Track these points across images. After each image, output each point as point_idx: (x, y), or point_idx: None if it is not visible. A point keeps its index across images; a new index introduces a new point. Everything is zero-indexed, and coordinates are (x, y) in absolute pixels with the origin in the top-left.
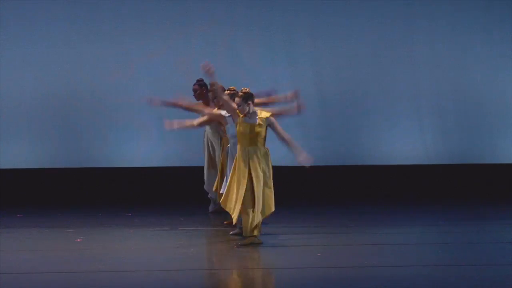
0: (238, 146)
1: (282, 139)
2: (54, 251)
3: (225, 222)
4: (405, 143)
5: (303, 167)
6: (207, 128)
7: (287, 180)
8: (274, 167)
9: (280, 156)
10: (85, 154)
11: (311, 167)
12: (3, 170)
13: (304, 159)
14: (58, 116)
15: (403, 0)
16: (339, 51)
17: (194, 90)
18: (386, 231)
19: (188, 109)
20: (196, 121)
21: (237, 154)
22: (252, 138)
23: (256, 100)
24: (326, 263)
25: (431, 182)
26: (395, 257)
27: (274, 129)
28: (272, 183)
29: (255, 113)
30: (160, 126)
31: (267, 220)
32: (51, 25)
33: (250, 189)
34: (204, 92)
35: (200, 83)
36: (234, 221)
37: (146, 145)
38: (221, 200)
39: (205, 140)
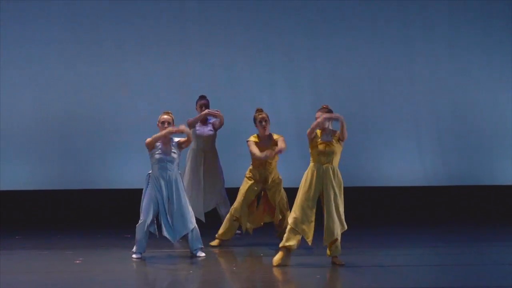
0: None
1: None
2: (53, 273)
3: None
4: (404, 164)
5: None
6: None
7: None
8: None
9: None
10: (84, 176)
11: None
12: (2, 192)
13: None
14: (57, 137)
15: (402, 22)
16: (338, 72)
17: (206, 105)
18: (385, 252)
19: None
20: None
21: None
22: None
23: None
24: (324, 285)
25: (430, 203)
26: (394, 279)
27: None
28: None
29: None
30: None
31: (265, 242)
32: (50, 46)
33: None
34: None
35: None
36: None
37: (145, 166)
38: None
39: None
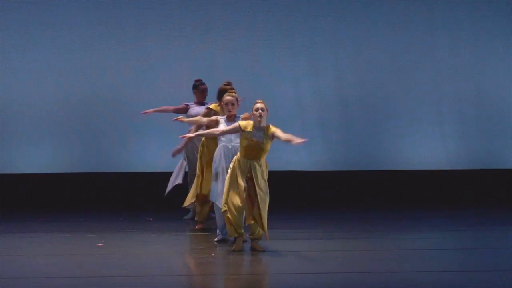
0: (241, 158)
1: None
2: (76, 256)
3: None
4: (426, 148)
5: (323, 172)
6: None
7: (308, 186)
8: (295, 172)
9: (300, 161)
10: (106, 159)
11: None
12: (25, 175)
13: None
14: (79, 121)
15: (425, 5)
16: (360, 55)
17: (205, 89)
18: (407, 236)
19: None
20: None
21: (236, 165)
22: (257, 153)
23: None
24: (347, 268)
25: (452, 187)
26: (416, 263)
27: (278, 138)
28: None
29: (262, 128)
30: (181, 130)
31: (290, 226)
32: (72, 30)
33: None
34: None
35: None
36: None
37: (167, 149)
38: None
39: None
